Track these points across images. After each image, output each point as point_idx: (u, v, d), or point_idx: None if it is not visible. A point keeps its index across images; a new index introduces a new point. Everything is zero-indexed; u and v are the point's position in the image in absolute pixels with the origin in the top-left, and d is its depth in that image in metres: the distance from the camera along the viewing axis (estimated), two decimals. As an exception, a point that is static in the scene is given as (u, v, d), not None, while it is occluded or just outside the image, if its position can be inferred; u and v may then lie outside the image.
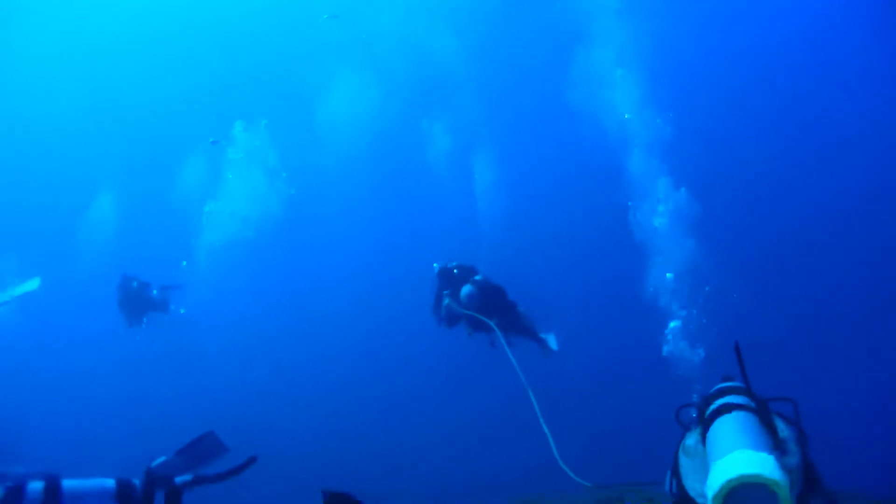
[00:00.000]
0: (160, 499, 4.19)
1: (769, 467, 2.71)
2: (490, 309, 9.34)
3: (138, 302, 13.47)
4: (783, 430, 3.23)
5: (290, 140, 21.19)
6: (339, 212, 24.32)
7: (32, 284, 13.13)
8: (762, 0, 23.05)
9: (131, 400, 19.92)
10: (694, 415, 3.69)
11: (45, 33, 24.56)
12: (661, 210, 14.64)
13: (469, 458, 16.38)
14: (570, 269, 22.32)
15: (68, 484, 3.91)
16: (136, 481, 4.12)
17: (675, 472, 3.51)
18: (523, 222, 20.83)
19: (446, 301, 9.76)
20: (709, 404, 3.41)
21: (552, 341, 10.05)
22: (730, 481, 2.70)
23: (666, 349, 8.93)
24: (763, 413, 3.22)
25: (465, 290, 9.50)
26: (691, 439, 3.46)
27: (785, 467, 2.76)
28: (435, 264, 10.26)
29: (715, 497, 2.71)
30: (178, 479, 4.34)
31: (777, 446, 3.00)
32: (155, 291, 13.77)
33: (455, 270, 9.89)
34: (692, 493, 3.25)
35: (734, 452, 2.83)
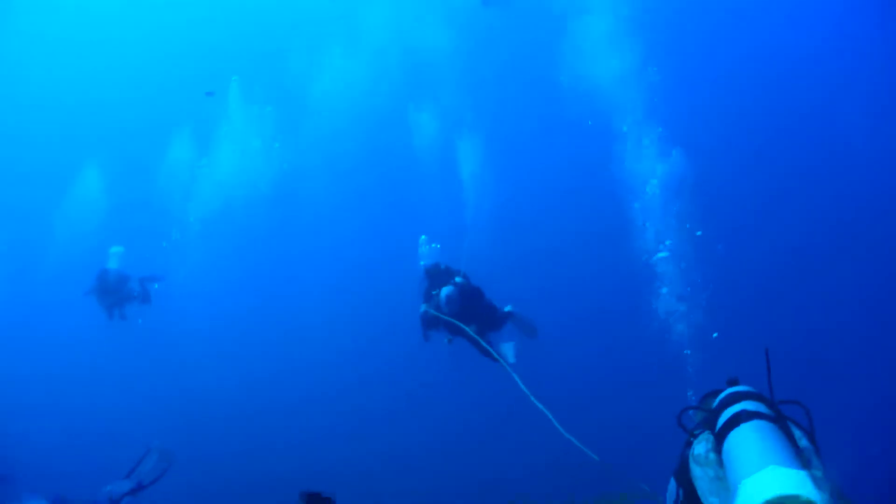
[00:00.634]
0: None
1: (807, 487, 2.52)
2: (469, 312, 9.23)
3: (118, 294, 13.39)
4: (801, 439, 3.00)
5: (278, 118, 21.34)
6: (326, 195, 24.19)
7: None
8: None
9: (104, 398, 19.65)
10: (698, 420, 3.47)
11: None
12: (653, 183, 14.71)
13: (464, 464, 16.16)
14: (563, 262, 22.21)
15: None
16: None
17: (683, 483, 3.28)
18: (513, 212, 20.85)
19: (422, 308, 9.62)
20: (720, 410, 3.16)
21: (510, 352, 9.92)
22: (767, 503, 2.49)
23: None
24: (782, 422, 2.99)
25: (445, 291, 9.35)
26: (700, 447, 3.20)
27: (818, 485, 2.56)
28: (422, 262, 10.12)
29: None
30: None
31: (802, 460, 2.75)
32: (135, 284, 13.73)
33: (440, 268, 9.80)
34: None
35: (766, 470, 2.62)
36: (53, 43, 25.27)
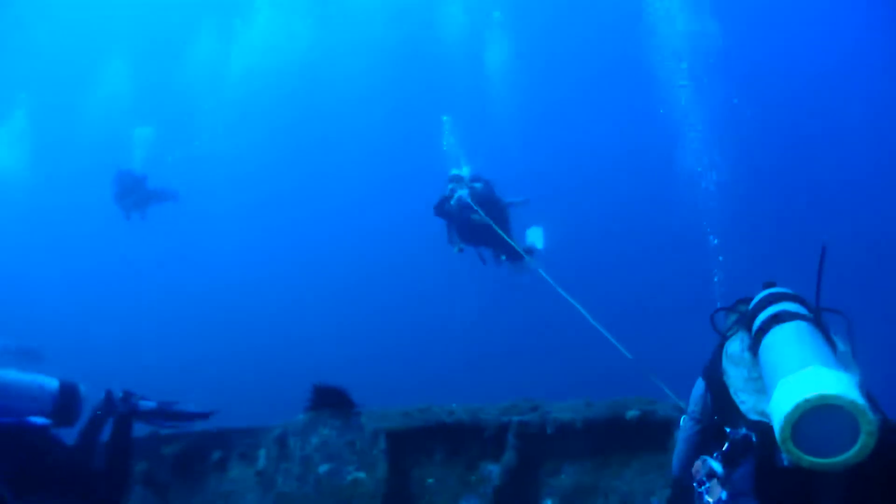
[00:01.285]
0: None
1: (850, 389, 2.32)
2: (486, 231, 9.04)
3: (135, 194, 13.37)
4: (839, 344, 2.83)
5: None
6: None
7: None
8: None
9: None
10: (731, 321, 3.33)
11: None
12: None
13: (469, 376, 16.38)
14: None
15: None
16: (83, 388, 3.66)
17: (712, 383, 3.14)
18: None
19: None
20: (758, 310, 2.98)
21: (538, 237, 9.67)
22: (807, 401, 2.29)
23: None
24: (821, 324, 2.80)
25: (459, 192, 9.25)
26: (735, 346, 3.06)
27: (860, 389, 2.37)
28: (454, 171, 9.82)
29: (789, 418, 2.31)
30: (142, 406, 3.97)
31: (842, 364, 2.56)
32: (151, 184, 13.75)
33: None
34: (744, 408, 2.82)
35: (807, 369, 2.41)
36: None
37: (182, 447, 6.16)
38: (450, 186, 9.40)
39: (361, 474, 5.68)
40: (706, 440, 3.20)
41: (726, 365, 3.00)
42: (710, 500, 2.82)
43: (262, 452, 6.08)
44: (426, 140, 12.53)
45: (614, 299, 15.71)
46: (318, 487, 5.69)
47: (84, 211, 19.34)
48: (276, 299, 21.19)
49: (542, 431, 5.48)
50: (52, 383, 3.51)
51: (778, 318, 2.78)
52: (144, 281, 21.85)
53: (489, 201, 9.27)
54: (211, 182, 22.84)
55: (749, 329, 2.99)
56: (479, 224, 8.97)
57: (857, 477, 2.43)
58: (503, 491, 5.35)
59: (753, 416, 2.73)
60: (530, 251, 9.64)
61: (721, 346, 3.15)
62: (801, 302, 2.92)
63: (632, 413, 5.32)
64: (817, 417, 2.28)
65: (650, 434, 5.26)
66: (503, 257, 9.78)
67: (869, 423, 2.23)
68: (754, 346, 2.85)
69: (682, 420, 3.52)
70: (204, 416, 4.18)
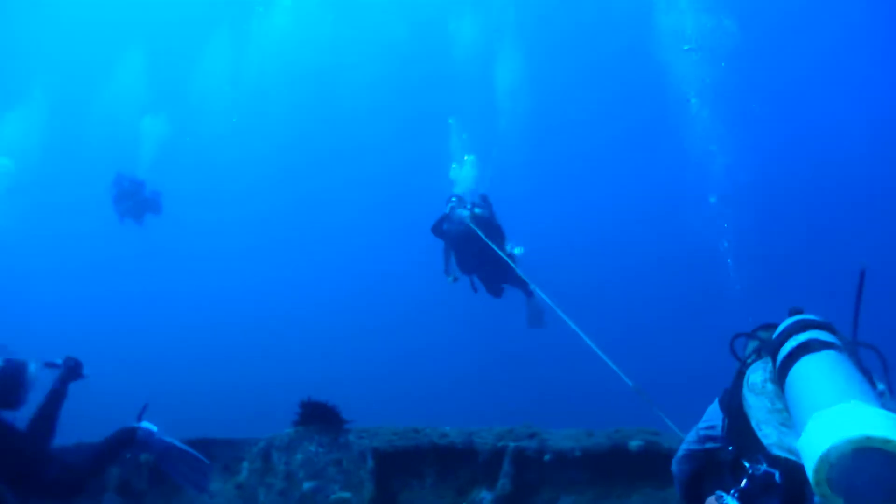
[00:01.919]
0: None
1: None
2: (480, 257, 8.82)
3: (132, 199, 13.26)
4: (878, 382, 2.51)
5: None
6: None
7: None
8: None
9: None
10: (752, 348, 3.04)
11: None
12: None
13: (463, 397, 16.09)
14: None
15: None
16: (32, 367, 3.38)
17: (733, 410, 2.85)
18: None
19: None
20: (784, 338, 2.66)
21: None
22: (850, 441, 1.97)
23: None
24: (857, 357, 2.49)
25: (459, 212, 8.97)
26: (757, 376, 2.76)
27: None
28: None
29: (826, 459, 1.98)
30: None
31: (882, 401, 2.24)
32: (148, 191, 13.58)
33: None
34: (767, 442, 2.51)
35: (846, 405, 2.09)
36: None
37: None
38: (450, 205, 9.19)
39: (346, 494, 5.41)
40: (718, 470, 2.97)
41: (748, 395, 2.73)
42: None
43: (244, 465, 5.82)
44: (430, 155, 12.33)
45: (617, 323, 15.44)
46: (300, 506, 5.45)
47: (87, 207, 19.07)
48: (271, 308, 20.97)
49: (540, 459, 5.21)
50: None
51: (808, 348, 2.48)
52: (138, 283, 21.63)
53: (490, 226, 9.04)
54: (205, 186, 22.85)
55: (773, 357, 2.69)
56: (477, 247, 8.75)
57: None
58: (496, 520, 5.09)
59: (778, 452, 2.44)
60: (512, 258, 9.44)
61: (741, 374, 2.89)
62: (833, 332, 2.61)
63: (635, 443, 5.05)
64: (858, 460, 1.96)
65: (653, 466, 4.96)
66: (503, 286, 9.51)
67: None
68: (780, 377, 2.56)
69: (689, 434, 3.30)
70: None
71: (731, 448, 2.85)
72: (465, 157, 9.94)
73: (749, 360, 2.90)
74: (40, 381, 3.37)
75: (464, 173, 9.78)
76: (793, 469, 2.30)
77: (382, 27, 23.24)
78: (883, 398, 2.39)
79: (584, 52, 23.01)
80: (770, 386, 2.66)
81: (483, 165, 10.13)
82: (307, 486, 5.52)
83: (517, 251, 9.44)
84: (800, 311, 2.88)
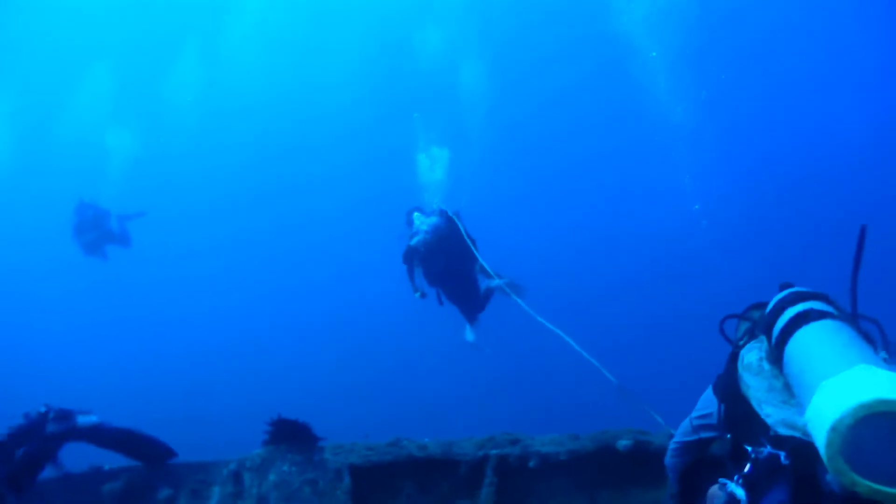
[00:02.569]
0: None
1: None
2: (451, 272, 8.64)
3: (96, 231, 12.54)
4: (879, 350, 2.32)
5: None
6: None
7: None
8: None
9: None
10: (743, 330, 2.87)
11: None
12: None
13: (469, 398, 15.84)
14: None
15: None
16: None
17: (728, 396, 2.67)
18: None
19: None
20: (778, 312, 2.51)
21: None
22: (863, 406, 1.78)
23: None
24: (857, 325, 2.33)
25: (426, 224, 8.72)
26: (752, 355, 2.57)
27: None
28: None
29: (838, 427, 1.79)
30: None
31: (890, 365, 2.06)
32: (114, 222, 12.88)
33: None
34: (770, 421, 2.31)
35: (855, 369, 1.92)
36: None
37: (125, 483, 5.55)
38: (416, 225, 8.91)
39: (324, 515, 5.12)
40: (714, 461, 2.78)
41: (743, 374, 2.54)
42: None
43: (214, 490, 5.50)
44: (400, 167, 12.18)
45: (594, 322, 15.29)
46: (274, 530, 5.14)
47: (54, 225, 18.63)
48: (240, 327, 20.55)
49: (524, 466, 4.97)
50: None
51: (806, 317, 2.32)
52: (103, 306, 21.03)
53: (456, 237, 8.71)
54: (172, 203, 22.53)
55: (768, 334, 2.53)
56: (443, 259, 8.52)
57: None
58: (480, 532, 4.84)
59: (783, 431, 2.24)
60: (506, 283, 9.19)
61: (733, 357, 2.72)
62: (828, 301, 2.46)
63: (623, 443, 4.83)
64: (871, 428, 1.77)
65: (644, 467, 4.75)
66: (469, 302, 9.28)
67: None
68: (776, 353, 2.41)
69: (681, 425, 3.11)
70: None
71: (728, 436, 2.67)
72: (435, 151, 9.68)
73: (741, 342, 2.73)
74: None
75: (435, 176, 9.57)
76: (800, 447, 2.11)
77: (348, 40, 23.26)
78: (888, 363, 2.21)
79: (551, 61, 23.15)
80: (767, 365, 2.48)
81: (455, 164, 9.94)
82: (282, 508, 5.23)
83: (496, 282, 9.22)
84: (790, 285, 2.72)
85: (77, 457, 5.32)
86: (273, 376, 17.78)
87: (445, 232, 8.56)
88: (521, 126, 22.73)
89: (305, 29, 23.33)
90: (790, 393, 2.30)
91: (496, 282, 8.78)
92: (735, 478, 2.37)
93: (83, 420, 3.83)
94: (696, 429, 3.03)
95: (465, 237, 8.60)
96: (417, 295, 8.94)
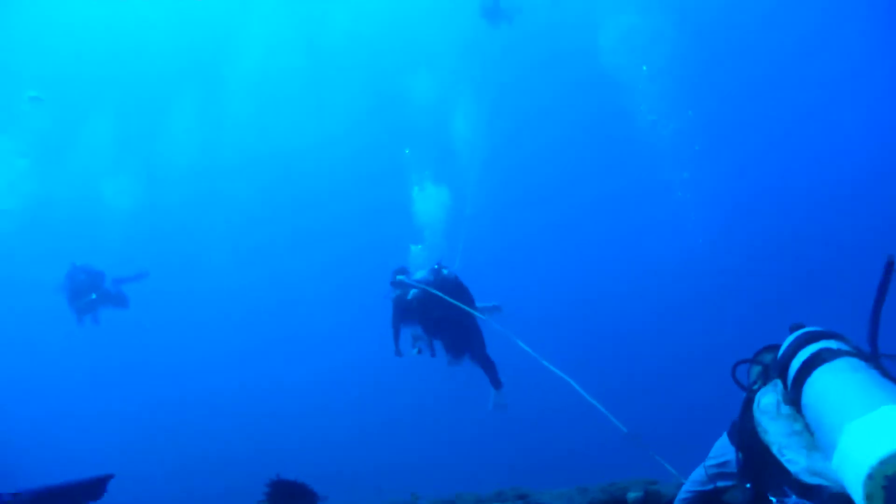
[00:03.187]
0: None
1: None
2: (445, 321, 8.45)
3: (90, 295, 12.16)
4: None
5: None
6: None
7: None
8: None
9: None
10: (756, 374, 2.76)
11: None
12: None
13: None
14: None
15: None
16: None
17: (746, 442, 2.57)
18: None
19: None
20: (792, 353, 2.40)
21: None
22: None
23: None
24: (877, 363, 2.21)
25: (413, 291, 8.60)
26: (769, 399, 2.47)
27: None
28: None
29: (876, 475, 1.67)
30: None
31: None
32: (109, 284, 12.53)
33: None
34: (794, 469, 2.20)
35: (883, 409, 1.80)
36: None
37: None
38: (398, 277, 8.75)
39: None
40: None
41: (761, 419, 2.44)
42: None
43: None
44: (391, 214, 12.07)
45: (601, 364, 15.03)
46: None
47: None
48: (231, 383, 20.13)
49: (532, 522, 4.80)
50: None
51: (820, 358, 2.22)
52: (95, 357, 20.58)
53: (449, 287, 8.51)
54: (171, 259, 22.53)
55: (783, 376, 2.43)
56: (440, 309, 8.40)
57: None
58: None
59: (809, 479, 2.14)
60: (498, 308, 9.08)
61: (748, 402, 2.62)
62: (843, 340, 2.36)
63: (633, 495, 4.65)
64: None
65: (656, 519, 4.59)
66: (467, 354, 9.13)
67: None
68: (793, 395, 2.30)
69: (694, 473, 2.97)
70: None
71: (749, 485, 2.53)
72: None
73: (755, 387, 2.63)
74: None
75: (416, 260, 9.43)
76: (830, 497, 1.98)
77: (344, 91, 23.54)
78: None
79: (545, 107, 23.45)
80: (785, 408, 2.37)
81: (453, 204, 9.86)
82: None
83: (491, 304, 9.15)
84: (801, 326, 2.62)
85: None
86: (277, 429, 17.44)
87: (437, 285, 8.46)
88: (516, 167, 22.91)
89: (301, 81, 23.71)
90: (811, 436, 2.19)
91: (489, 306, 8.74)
92: None
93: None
94: (712, 477, 2.91)
95: (458, 288, 8.47)
96: (415, 351, 8.83)
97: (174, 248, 23.24)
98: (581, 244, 22.47)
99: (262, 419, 18.20)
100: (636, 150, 20.45)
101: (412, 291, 8.56)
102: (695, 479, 3.07)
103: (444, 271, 8.72)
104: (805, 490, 2.15)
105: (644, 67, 16.31)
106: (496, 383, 9.13)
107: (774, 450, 2.30)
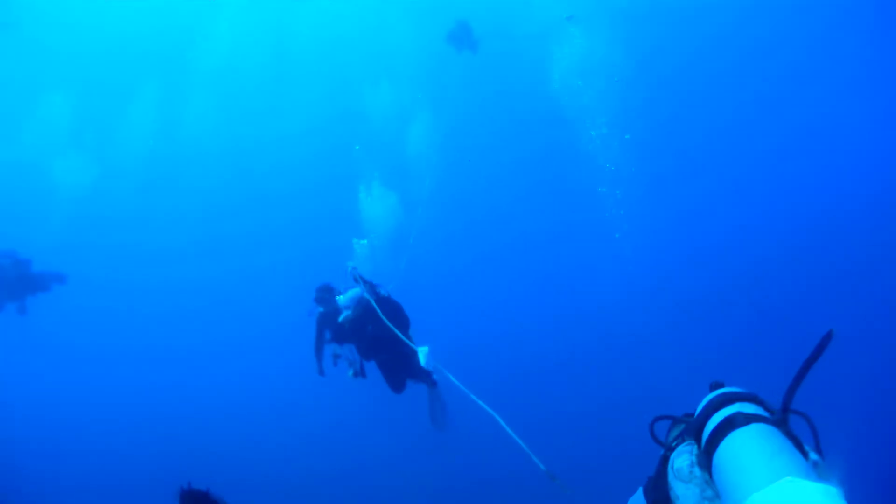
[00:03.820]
0: None
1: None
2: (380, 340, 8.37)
3: (15, 282, 11.58)
4: (810, 452, 2.28)
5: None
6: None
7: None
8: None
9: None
10: (676, 432, 2.77)
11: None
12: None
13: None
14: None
15: None
16: None
17: (659, 502, 2.54)
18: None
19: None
20: (707, 416, 2.42)
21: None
22: None
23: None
24: (787, 428, 2.25)
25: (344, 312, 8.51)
26: (682, 460, 2.46)
27: None
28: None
29: None
30: None
31: (819, 474, 2.06)
32: (35, 269, 11.95)
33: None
34: None
35: (782, 482, 1.88)
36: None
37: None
38: (340, 303, 8.58)
39: None
40: None
41: (674, 483, 2.44)
42: None
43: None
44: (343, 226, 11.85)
45: (533, 401, 14.95)
46: None
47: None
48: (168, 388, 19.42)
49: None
50: None
51: (732, 423, 2.26)
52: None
53: (392, 307, 8.42)
54: (118, 247, 22.01)
55: (698, 439, 2.44)
56: (375, 331, 8.24)
57: None
58: None
59: None
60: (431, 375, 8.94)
61: (664, 460, 2.60)
62: (759, 402, 2.40)
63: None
64: None
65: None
66: (406, 379, 8.97)
67: None
68: (706, 460, 2.31)
69: None
70: None
71: None
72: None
73: (673, 444, 2.61)
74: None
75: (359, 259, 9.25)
76: None
77: (305, 90, 23.74)
78: (817, 468, 2.12)
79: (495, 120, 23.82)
80: (698, 471, 2.37)
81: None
82: None
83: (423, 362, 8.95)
84: (720, 385, 2.65)
85: None
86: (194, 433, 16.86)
87: (370, 304, 8.29)
88: (465, 186, 23.19)
89: (264, 80, 23.77)
90: (722, 502, 2.18)
91: (423, 352, 8.61)
92: None
93: None
94: None
95: (386, 309, 8.24)
96: (350, 373, 8.70)
97: (117, 234, 22.75)
98: (518, 267, 22.60)
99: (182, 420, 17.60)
100: (581, 174, 20.82)
101: (345, 313, 8.39)
102: None
103: (381, 291, 8.55)
104: None
105: (579, 82, 16.92)
106: (431, 382, 9.04)
107: None
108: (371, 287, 8.50)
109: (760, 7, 22.51)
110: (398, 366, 8.76)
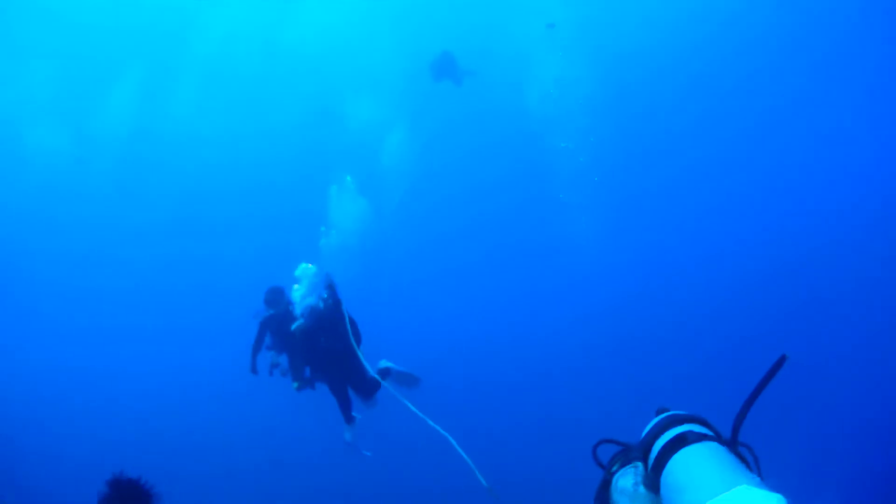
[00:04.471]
0: None
1: None
2: (330, 354, 8.16)
3: None
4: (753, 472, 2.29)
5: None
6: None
7: None
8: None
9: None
10: (617, 454, 2.76)
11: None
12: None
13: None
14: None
15: None
16: None
17: None
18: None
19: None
20: (655, 436, 2.43)
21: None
22: None
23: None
24: (734, 448, 2.32)
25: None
26: (627, 480, 2.50)
27: None
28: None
29: None
30: None
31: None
32: None
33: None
34: None
35: (738, 490, 1.90)
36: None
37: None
38: (295, 310, 8.26)
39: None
40: None
41: (618, 500, 2.46)
42: None
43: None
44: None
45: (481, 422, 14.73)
46: None
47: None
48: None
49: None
50: None
51: (684, 440, 2.26)
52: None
53: (338, 317, 8.13)
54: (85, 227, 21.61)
55: (645, 459, 2.43)
56: (323, 342, 8.00)
57: None
58: None
59: None
60: (386, 372, 8.65)
61: (605, 484, 2.61)
62: (706, 424, 2.42)
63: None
64: None
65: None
66: (350, 390, 8.63)
67: None
68: (653, 477, 2.31)
69: None
70: None
71: None
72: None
73: (614, 469, 2.61)
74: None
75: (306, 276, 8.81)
76: None
77: (289, 91, 23.79)
78: (766, 484, 2.08)
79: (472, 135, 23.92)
80: (643, 489, 2.39)
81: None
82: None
83: (382, 365, 8.72)
84: (666, 410, 2.66)
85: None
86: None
87: (325, 313, 8.04)
88: (438, 200, 23.25)
89: (249, 77, 23.78)
90: None
91: (383, 364, 8.40)
92: None
93: None
94: None
95: (346, 321, 8.04)
96: (295, 386, 8.48)
97: (88, 206, 22.37)
98: (485, 280, 22.57)
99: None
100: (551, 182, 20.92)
101: (298, 321, 8.09)
102: None
103: (331, 301, 8.19)
104: None
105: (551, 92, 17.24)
106: (349, 418, 8.70)
107: None
108: (336, 297, 8.22)
109: (738, 17, 22.93)
110: (345, 382, 8.50)
